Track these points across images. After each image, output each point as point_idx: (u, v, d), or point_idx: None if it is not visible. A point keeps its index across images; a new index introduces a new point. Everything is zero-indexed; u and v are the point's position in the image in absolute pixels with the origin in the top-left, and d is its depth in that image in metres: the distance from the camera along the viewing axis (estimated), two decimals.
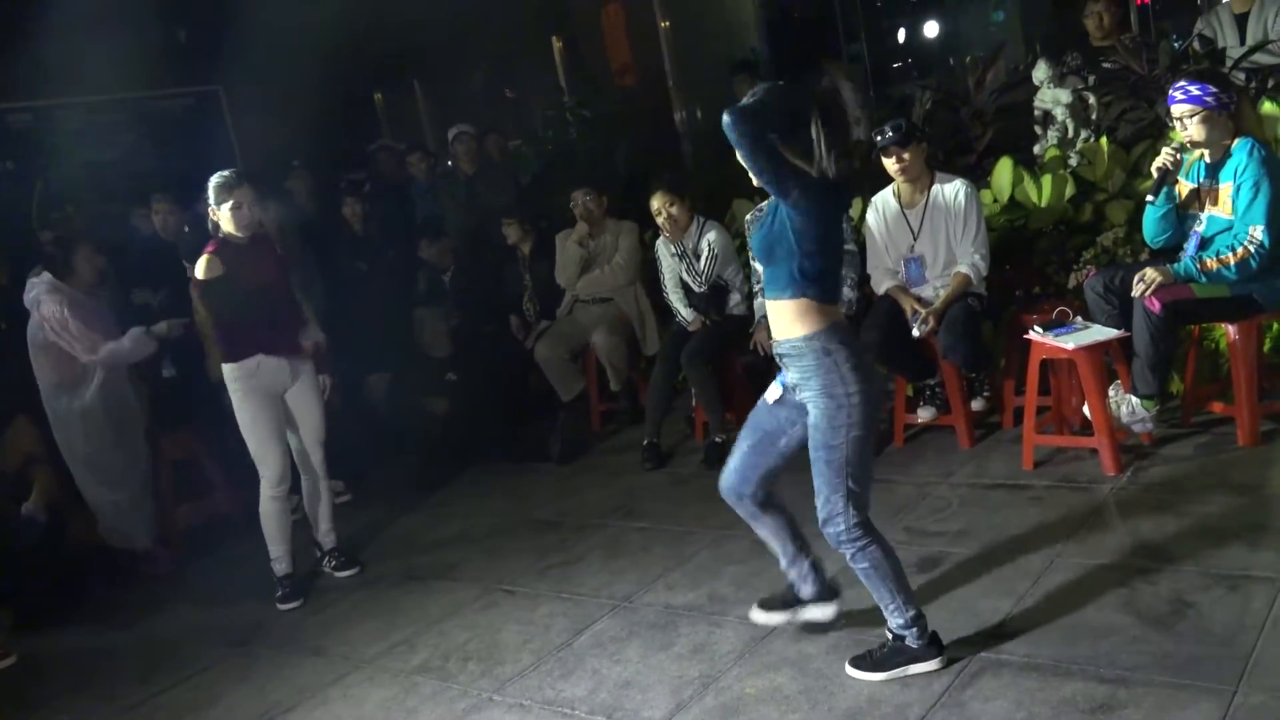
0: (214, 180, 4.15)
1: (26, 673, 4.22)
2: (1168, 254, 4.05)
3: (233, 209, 4.13)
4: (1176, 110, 3.80)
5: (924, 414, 4.69)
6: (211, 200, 4.15)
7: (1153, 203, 3.92)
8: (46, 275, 4.86)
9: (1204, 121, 3.75)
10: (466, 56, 9.76)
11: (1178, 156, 3.83)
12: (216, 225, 4.18)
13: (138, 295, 5.63)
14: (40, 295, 4.81)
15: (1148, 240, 4.08)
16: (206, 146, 7.98)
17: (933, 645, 2.89)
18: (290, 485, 4.42)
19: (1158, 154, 3.89)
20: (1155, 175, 3.87)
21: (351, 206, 6.38)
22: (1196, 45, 4.99)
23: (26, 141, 7.59)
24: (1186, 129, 3.79)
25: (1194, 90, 3.74)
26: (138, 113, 8.22)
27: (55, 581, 4.72)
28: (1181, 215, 3.97)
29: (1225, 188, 3.78)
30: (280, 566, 4.40)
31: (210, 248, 4.15)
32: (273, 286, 4.27)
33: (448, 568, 4.42)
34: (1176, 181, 3.93)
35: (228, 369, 4.23)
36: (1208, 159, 3.86)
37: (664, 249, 5.29)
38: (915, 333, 4.39)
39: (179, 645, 4.15)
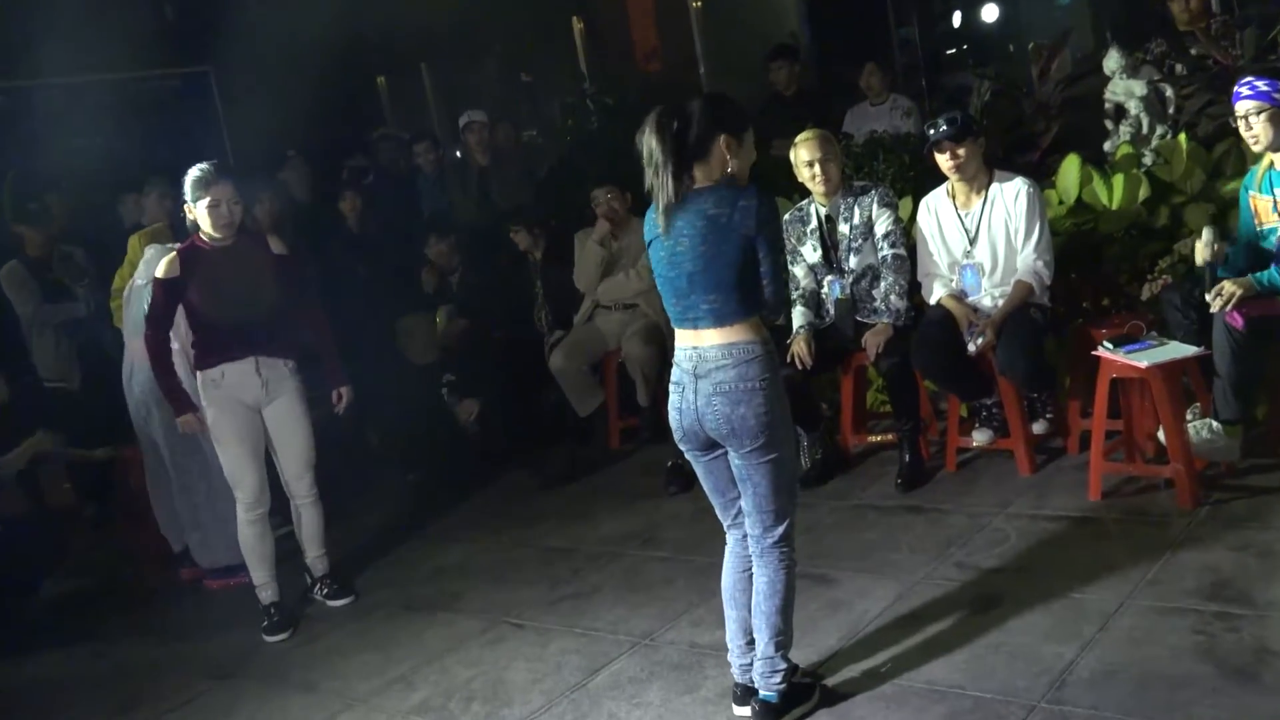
0: (190, 175, 4.14)
1: None
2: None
3: (210, 207, 4.11)
4: (1240, 107, 3.81)
5: (979, 437, 4.68)
6: (187, 196, 4.15)
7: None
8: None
9: (1271, 120, 3.75)
10: (479, 39, 9.81)
11: (1217, 246, 3.83)
12: (195, 223, 4.19)
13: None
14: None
15: None
16: (194, 132, 8.06)
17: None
18: (270, 506, 4.42)
19: (1198, 239, 3.88)
20: (1202, 269, 3.86)
21: (350, 200, 6.39)
22: None
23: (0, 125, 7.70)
24: (1251, 128, 3.79)
25: (1262, 86, 3.74)
26: (121, 95, 8.32)
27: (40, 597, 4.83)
28: (1264, 233, 3.94)
29: None
30: (266, 594, 4.42)
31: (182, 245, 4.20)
32: (252, 291, 4.24)
33: (450, 598, 4.43)
34: (1223, 256, 3.89)
35: (198, 377, 4.30)
36: (1278, 166, 3.84)
37: None
38: (971, 347, 4.37)
39: (159, 676, 4.17)
